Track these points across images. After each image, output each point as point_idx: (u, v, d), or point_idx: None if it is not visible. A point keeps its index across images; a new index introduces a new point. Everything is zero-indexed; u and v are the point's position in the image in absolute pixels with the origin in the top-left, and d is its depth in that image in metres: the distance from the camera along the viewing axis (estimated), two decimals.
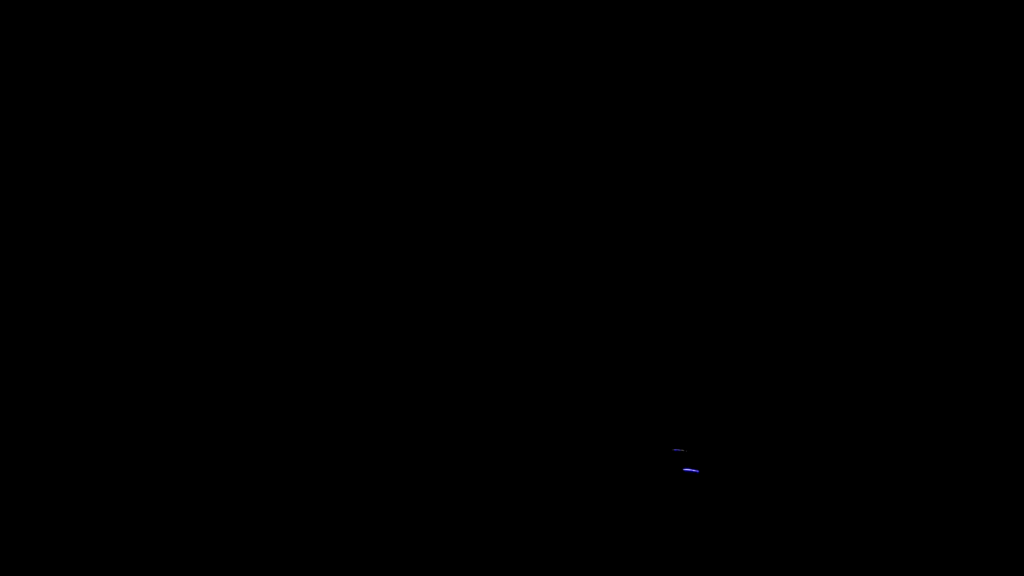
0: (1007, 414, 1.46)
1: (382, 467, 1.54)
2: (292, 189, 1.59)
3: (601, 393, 1.56)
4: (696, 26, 1.51)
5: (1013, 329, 1.48)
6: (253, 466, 1.51)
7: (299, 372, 1.56)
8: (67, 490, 1.43)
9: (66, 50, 1.44)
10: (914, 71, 1.49)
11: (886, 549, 1.44)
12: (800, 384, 1.52)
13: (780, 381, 1.52)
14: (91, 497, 1.43)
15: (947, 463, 1.46)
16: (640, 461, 1.52)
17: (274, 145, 1.58)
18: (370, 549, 1.51)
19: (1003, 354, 1.48)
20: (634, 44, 1.53)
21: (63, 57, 1.43)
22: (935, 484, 1.45)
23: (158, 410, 1.49)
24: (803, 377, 1.52)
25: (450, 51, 1.56)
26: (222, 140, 1.55)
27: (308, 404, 1.56)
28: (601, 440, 1.54)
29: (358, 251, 1.61)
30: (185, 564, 1.45)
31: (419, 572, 1.49)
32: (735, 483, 1.49)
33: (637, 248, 1.59)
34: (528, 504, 1.51)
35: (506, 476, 1.53)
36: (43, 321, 1.44)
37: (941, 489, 1.45)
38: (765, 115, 1.55)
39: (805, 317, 1.54)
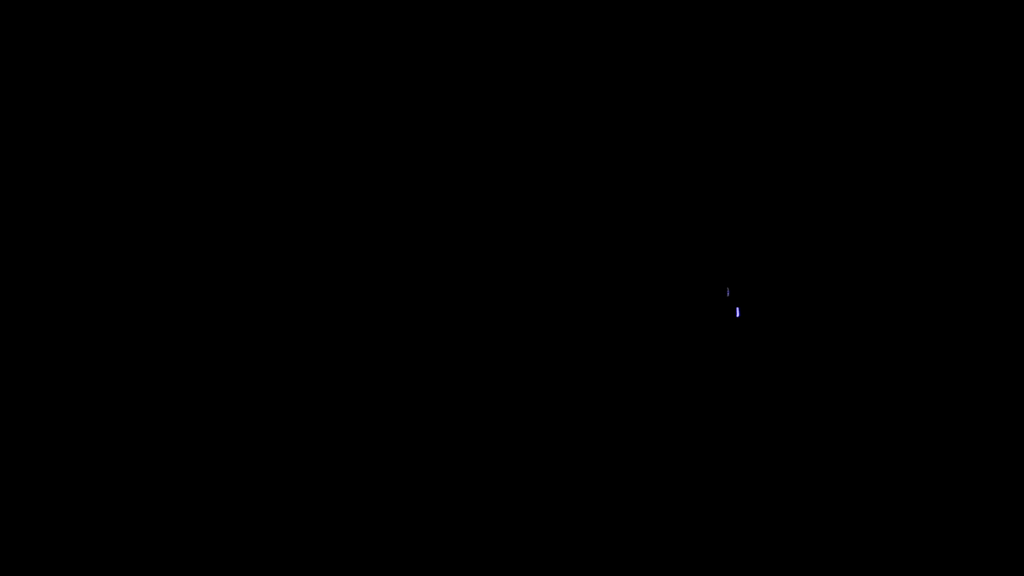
0: (1007, 414, 1.46)
1: (382, 467, 1.54)
2: (292, 189, 1.59)
3: (602, 393, 1.56)
4: (696, 26, 1.51)
5: (1013, 329, 1.48)
6: (253, 466, 1.51)
7: (299, 372, 1.56)
8: (67, 490, 1.42)
9: (66, 50, 1.44)
10: (914, 71, 1.49)
11: (886, 549, 1.44)
12: (801, 384, 1.52)
13: (781, 381, 1.52)
14: (91, 497, 1.43)
15: (947, 463, 1.46)
16: (641, 461, 1.52)
17: (274, 145, 1.58)
18: (370, 549, 1.50)
19: (1003, 354, 1.48)
20: (634, 44, 1.53)
21: (63, 57, 1.44)
22: (935, 484, 1.45)
23: (158, 410, 1.48)
24: (804, 377, 1.52)
25: (450, 51, 1.56)
26: (222, 140, 1.55)
27: (308, 404, 1.55)
28: (602, 440, 1.54)
29: (358, 251, 1.61)
30: (185, 564, 1.44)
31: (419, 572, 1.49)
32: (736, 483, 1.49)
33: (638, 248, 1.59)
34: (529, 504, 1.51)
35: (507, 476, 1.53)
36: (43, 321, 1.44)
37: (941, 489, 1.45)
38: (765, 115, 1.55)
39: (806, 316, 1.54)
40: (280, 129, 1.58)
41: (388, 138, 1.62)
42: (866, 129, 1.53)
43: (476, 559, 1.49)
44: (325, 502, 1.52)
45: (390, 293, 1.61)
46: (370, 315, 1.61)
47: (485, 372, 1.58)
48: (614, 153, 1.61)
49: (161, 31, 1.49)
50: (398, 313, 1.61)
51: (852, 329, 1.52)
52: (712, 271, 1.58)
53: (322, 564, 1.49)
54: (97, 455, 1.44)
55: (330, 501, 1.52)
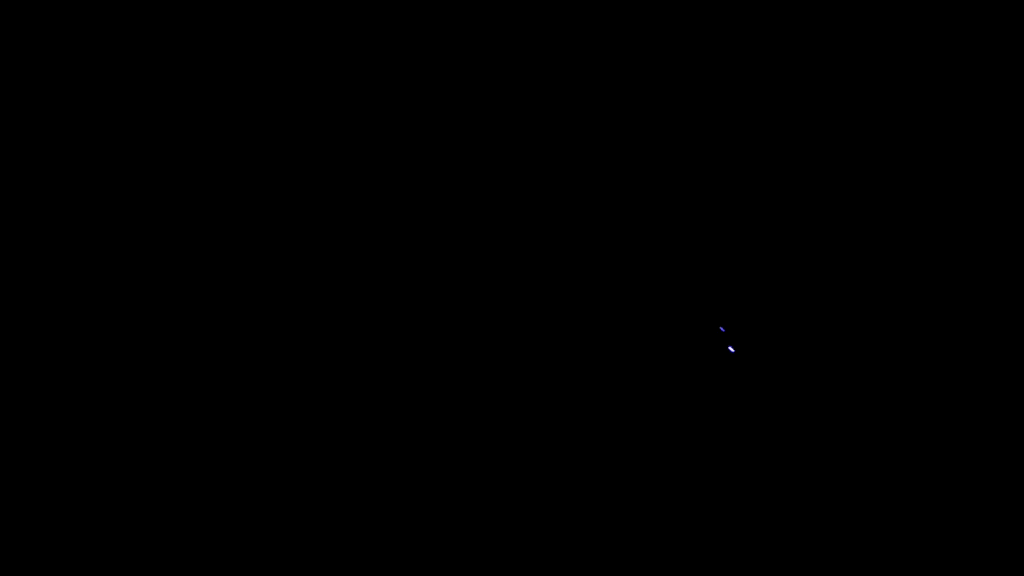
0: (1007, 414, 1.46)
1: (381, 467, 1.54)
2: (291, 189, 1.59)
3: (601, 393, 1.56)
4: (696, 26, 1.51)
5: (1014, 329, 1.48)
6: (253, 466, 1.51)
7: (298, 372, 1.56)
8: (67, 490, 1.42)
9: (66, 50, 1.44)
10: (914, 71, 1.49)
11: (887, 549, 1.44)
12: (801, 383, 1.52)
13: (780, 380, 1.52)
14: (91, 497, 1.43)
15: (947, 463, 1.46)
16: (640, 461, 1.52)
17: (274, 145, 1.58)
18: (370, 549, 1.51)
19: (1003, 354, 1.48)
20: (634, 44, 1.53)
21: (63, 57, 1.43)
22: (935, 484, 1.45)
23: (158, 410, 1.49)
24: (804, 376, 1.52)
25: (450, 51, 1.56)
26: (222, 140, 1.55)
27: (308, 404, 1.56)
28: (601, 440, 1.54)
29: (357, 251, 1.61)
30: (185, 564, 1.45)
31: (419, 572, 1.49)
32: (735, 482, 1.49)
33: (637, 248, 1.59)
34: (528, 504, 1.51)
35: (506, 476, 1.53)
36: (43, 321, 1.44)
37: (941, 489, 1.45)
38: (765, 115, 1.55)
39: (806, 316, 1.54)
40: (280, 129, 1.58)
41: (388, 138, 1.62)
42: (866, 131, 1.53)
43: (476, 559, 1.50)
44: (325, 501, 1.52)
45: (389, 293, 1.61)
46: (369, 315, 1.61)
47: (483, 372, 1.58)
48: (613, 154, 1.61)
49: (161, 31, 1.49)
50: (397, 313, 1.61)
51: (850, 331, 1.52)
52: (710, 272, 1.58)
53: (322, 564, 1.50)
54: (97, 455, 1.45)
55: (330, 500, 1.52)
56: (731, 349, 1.51)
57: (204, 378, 1.51)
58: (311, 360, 1.57)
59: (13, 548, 1.37)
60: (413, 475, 1.54)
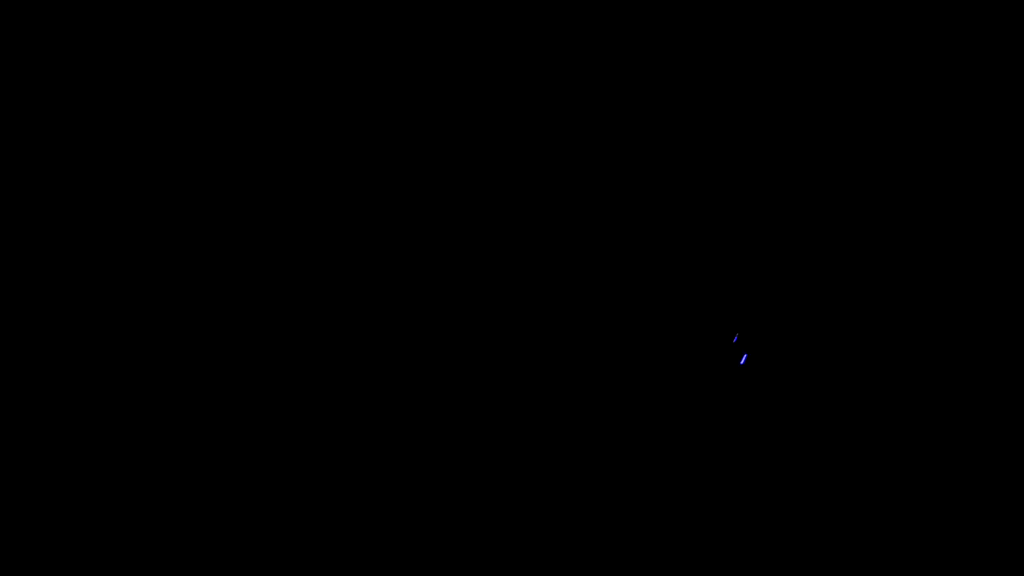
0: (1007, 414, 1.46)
1: (382, 467, 1.54)
2: (291, 189, 1.59)
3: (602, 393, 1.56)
4: (696, 26, 1.51)
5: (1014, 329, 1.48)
6: (253, 466, 1.51)
7: (298, 372, 1.56)
8: (67, 490, 1.42)
9: (66, 50, 1.44)
10: (914, 71, 1.49)
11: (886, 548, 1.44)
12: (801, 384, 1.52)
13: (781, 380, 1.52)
14: (91, 497, 1.43)
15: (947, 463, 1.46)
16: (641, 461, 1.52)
17: (274, 146, 1.58)
18: (370, 549, 1.50)
19: (1004, 354, 1.48)
20: (633, 44, 1.53)
21: (63, 57, 1.43)
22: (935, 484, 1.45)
23: (158, 410, 1.48)
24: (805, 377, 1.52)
25: (450, 51, 1.56)
26: (222, 140, 1.55)
27: (308, 404, 1.55)
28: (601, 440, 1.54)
29: (357, 251, 1.61)
30: (185, 564, 1.45)
31: (419, 572, 1.49)
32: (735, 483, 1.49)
33: (638, 248, 1.58)
34: (529, 504, 1.51)
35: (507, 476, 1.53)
36: (43, 321, 1.44)
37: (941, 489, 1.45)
38: (765, 115, 1.55)
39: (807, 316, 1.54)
40: (280, 129, 1.58)
41: (388, 138, 1.62)
42: (867, 131, 1.53)
43: (476, 559, 1.49)
44: (325, 502, 1.52)
45: (390, 294, 1.61)
46: (369, 316, 1.60)
47: (483, 372, 1.57)
48: (614, 154, 1.61)
49: (161, 31, 1.48)
50: (398, 314, 1.60)
51: (851, 332, 1.52)
52: (711, 274, 1.58)
53: (322, 564, 1.50)
54: (97, 455, 1.45)
55: (330, 501, 1.52)
56: (734, 348, 1.51)
57: (204, 378, 1.51)
58: (311, 361, 1.57)
59: (13, 548, 1.37)
60: (413, 475, 1.54)
